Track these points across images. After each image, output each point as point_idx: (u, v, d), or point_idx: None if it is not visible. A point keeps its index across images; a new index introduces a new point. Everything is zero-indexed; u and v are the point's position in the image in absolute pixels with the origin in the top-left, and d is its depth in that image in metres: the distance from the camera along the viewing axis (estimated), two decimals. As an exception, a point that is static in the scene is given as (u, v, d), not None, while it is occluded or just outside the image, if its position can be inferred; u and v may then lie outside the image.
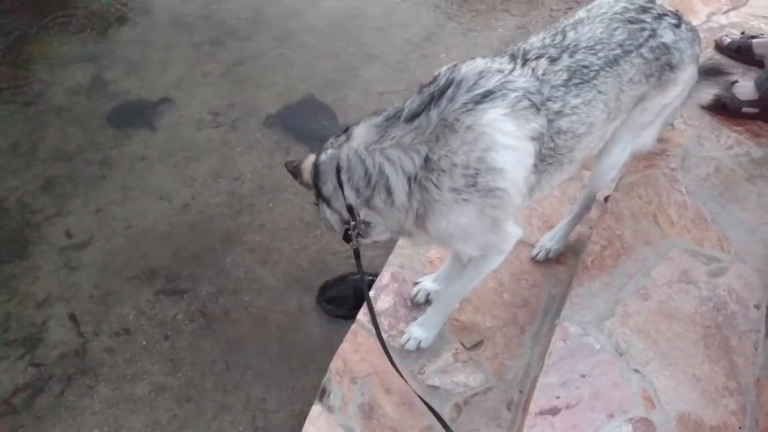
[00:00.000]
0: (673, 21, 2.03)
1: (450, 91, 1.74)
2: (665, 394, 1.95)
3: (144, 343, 2.91)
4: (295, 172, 1.97)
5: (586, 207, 2.52)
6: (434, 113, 1.72)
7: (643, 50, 1.94)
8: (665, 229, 2.41)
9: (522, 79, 1.79)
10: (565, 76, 1.83)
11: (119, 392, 2.75)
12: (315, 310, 2.98)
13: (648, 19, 1.98)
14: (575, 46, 1.88)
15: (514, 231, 1.96)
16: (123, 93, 4.14)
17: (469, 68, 1.79)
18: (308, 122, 3.86)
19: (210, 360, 2.85)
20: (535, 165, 1.83)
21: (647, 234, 2.39)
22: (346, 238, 1.91)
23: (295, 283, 3.11)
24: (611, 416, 1.91)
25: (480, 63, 1.82)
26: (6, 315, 3.04)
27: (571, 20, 2.00)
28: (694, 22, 3.48)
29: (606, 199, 2.60)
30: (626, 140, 2.19)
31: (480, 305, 2.48)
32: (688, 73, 2.12)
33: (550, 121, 1.80)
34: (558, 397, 1.96)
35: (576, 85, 1.84)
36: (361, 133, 1.80)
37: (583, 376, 1.99)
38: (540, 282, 2.57)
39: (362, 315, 2.46)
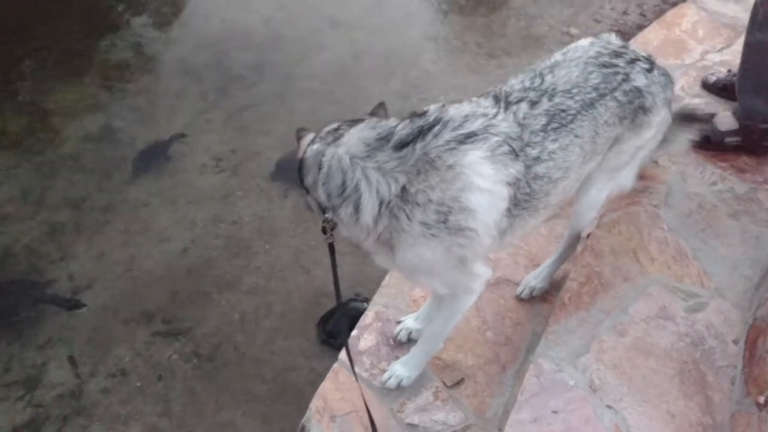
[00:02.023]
0: (646, 66, 2.07)
1: (437, 128, 1.79)
2: (638, 430, 1.93)
3: (138, 384, 2.97)
4: (297, 141, 2.00)
5: (571, 246, 2.54)
6: (419, 146, 1.76)
7: (617, 94, 1.99)
8: (645, 265, 2.42)
9: (504, 123, 1.84)
10: (543, 120, 1.88)
11: (112, 432, 2.80)
12: (309, 348, 3.03)
13: (621, 64, 2.03)
14: (553, 89, 1.93)
15: (482, 271, 1.99)
16: (130, 141, 4.27)
17: (456, 111, 1.85)
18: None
19: (202, 401, 2.88)
20: (508, 209, 1.87)
21: (627, 270, 2.40)
22: (323, 230, 1.90)
23: (289, 324, 3.16)
24: (583, 453, 1.90)
25: (466, 107, 1.88)
26: (9, 356, 3.12)
27: (548, 63, 2.05)
28: (688, 61, 3.58)
29: (588, 236, 2.62)
30: (603, 181, 2.22)
31: (462, 343, 2.49)
32: (661, 116, 2.15)
33: (527, 167, 1.84)
34: (530, 434, 1.96)
35: (554, 129, 1.88)
36: (351, 142, 1.82)
37: (556, 412, 1.99)
38: (524, 320, 2.57)
39: (343, 355, 2.48)
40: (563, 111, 1.90)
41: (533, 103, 1.89)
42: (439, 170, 1.74)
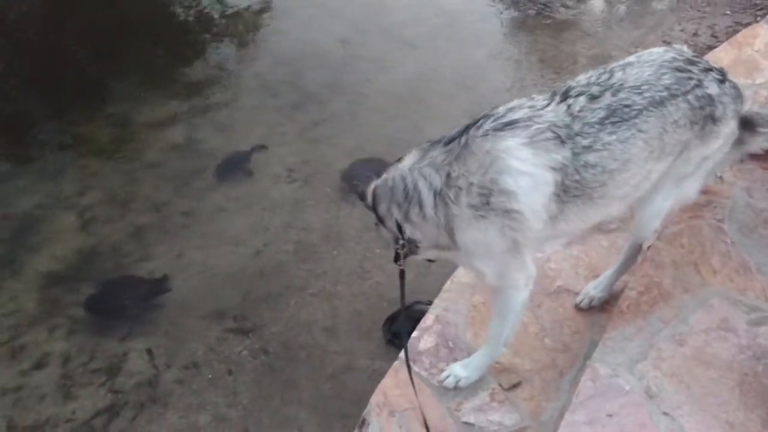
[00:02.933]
0: (718, 76, 2.09)
1: (480, 121, 1.92)
2: (694, 438, 1.94)
3: (210, 376, 3.14)
4: (362, 195, 2.15)
5: (632, 257, 2.55)
6: (464, 138, 1.90)
7: (690, 97, 2.01)
8: (707, 277, 2.41)
9: (551, 113, 1.91)
10: (602, 114, 1.92)
11: (185, 420, 2.98)
12: (371, 349, 3.15)
13: (695, 70, 2.05)
14: (620, 85, 1.97)
15: (531, 265, 2.06)
16: (210, 151, 4.54)
17: (505, 105, 1.97)
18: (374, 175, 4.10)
19: (268, 395, 3.03)
20: (557, 195, 1.92)
21: (687, 282, 2.40)
22: (396, 258, 2.06)
23: (353, 326, 3.29)
24: (637, 456, 1.92)
25: (515, 101, 1.98)
26: (93, 346, 3.36)
27: (621, 62, 2.10)
28: (759, 80, 3.54)
29: (649, 248, 2.63)
30: (667, 189, 2.23)
31: (520, 348, 2.54)
32: (729, 128, 2.16)
33: (575, 154, 1.89)
34: (584, 435, 1.99)
35: (613, 123, 1.92)
36: (409, 157, 2.01)
37: (610, 415, 2.02)
38: (582, 329, 2.60)
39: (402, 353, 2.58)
40: (627, 106, 1.94)
41: (593, 97, 1.95)
42: (477, 156, 1.86)
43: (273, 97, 5.01)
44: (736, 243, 2.51)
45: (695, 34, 4.80)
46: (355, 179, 4.11)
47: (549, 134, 1.88)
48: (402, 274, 2.09)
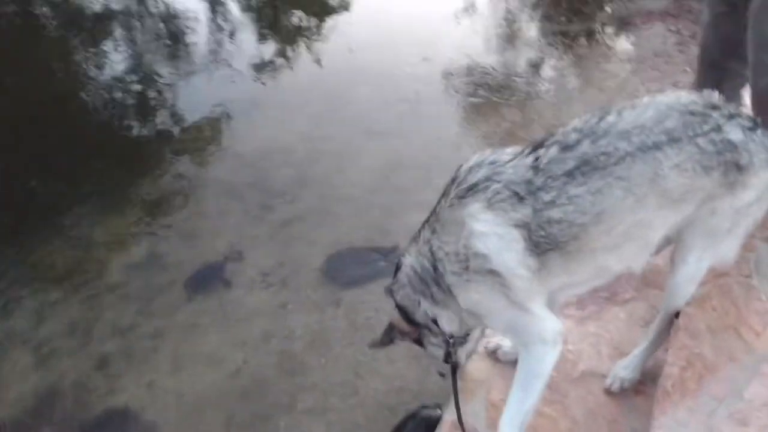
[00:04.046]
0: (747, 124, 1.89)
1: (448, 189, 1.91)
2: None
3: None
4: (391, 335, 2.18)
5: (665, 329, 2.27)
6: (438, 211, 1.93)
7: (700, 140, 1.82)
8: (750, 341, 2.14)
9: (511, 170, 1.84)
10: (571, 164, 1.80)
11: None
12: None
13: (715, 115, 1.86)
14: (605, 131, 1.82)
15: (549, 317, 1.91)
16: (177, 264, 4.21)
17: (465, 165, 1.92)
18: (356, 269, 3.84)
19: None
20: (529, 250, 1.82)
21: (730, 349, 2.13)
22: (446, 358, 2.09)
23: (353, 443, 2.91)
24: None
25: (474, 158, 1.93)
26: None
27: (625, 104, 1.91)
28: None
29: (677, 315, 2.37)
30: (700, 247, 2.01)
31: (553, 450, 2.21)
32: (762, 180, 1.91)
33: (536, 211, 1.79)
34: None
35: (583, 173, 1.79)
36: (408, 250, 2.04)
37: None
38: (618, 416, 2.29)
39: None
40: (604, 154, 1.79)
41: (566, 147, 1.82)
42: (447, 225, 1.88)
43: (239, 200, 4.75)
44: (771, 299, 2.28)
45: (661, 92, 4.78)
46: (337, 273, 3.87)
47: (506, 193, 1.80)
48: (454, 369, 2.13)
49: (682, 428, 1.92)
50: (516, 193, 1.80)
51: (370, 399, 3.06)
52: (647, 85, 4.90)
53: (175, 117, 5.96)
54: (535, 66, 5.79)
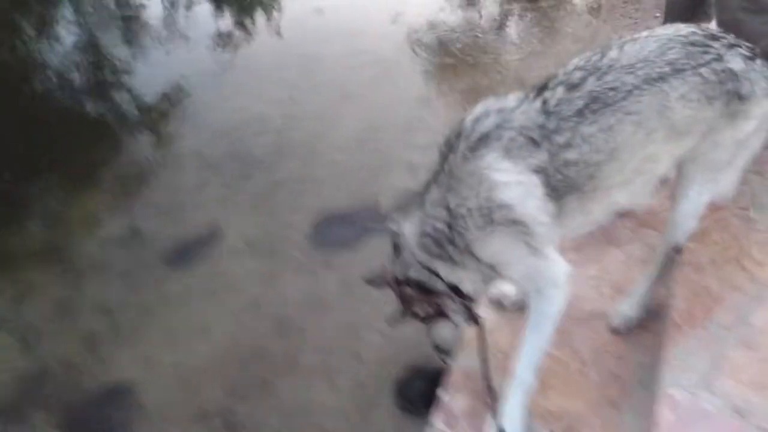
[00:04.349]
0: (747, 53, 1.89)
1: (455, 144, 1.86)
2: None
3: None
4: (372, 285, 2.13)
5: (668, 263, 2.29)
6: (446, 167, 1.86)
7: (703, 70, 1.82)
8: (752, 271, 2.19)
9: (521, 116, 1.81)
10: (580, 103, 1.78)
11: None
12: (387, 420, 2.76)
13: (716, 45, 1.87)
14: (609, 67, 1.81)
15: (560, 260, 1.93)
16: (157, 239, 4.11)
17: (470, 116, 1.87)
18: (343, 231, 3.81)
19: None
20: (548, 195, 1.81)
21: (734, 280, 2.18)
22: (471, 318, 2.10)
23: (361, 399, 2.91)
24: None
25: (479, 107, 1.89)
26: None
27: (625, 39, 1.91)
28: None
29: (678, 251, 2.40)
30: (701, 182, 2.03)
31: (565, 389, 2.23)
32: (763, 108, 1.93)
33: (553, 155, 1.78)
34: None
35: (594, 111, 1.78)
36: (406, 218, 1.98)
37: (706, 446, 1.72)
38: (625, 353, 2.32)
39: (434, 418, 2.24)
40: (612, 89, 1.78)
41: (572, 87, 1.81)
42: (464, 180, 1.82)
43: (216, 172, 4.63)
44: (769, 229, 2.32)
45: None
46: (325, 236, 3.82)
47: (521, 140, 1.78)
48: (481, 326, 2.11)
49: (693, 357, 1.96)
50: (531, 139, 1.78)
51: (371, 355, 3.04)
52: (620, 32, 4.89)
53: (135, 95, 5.78)
54: (503, 22, 5.75)
